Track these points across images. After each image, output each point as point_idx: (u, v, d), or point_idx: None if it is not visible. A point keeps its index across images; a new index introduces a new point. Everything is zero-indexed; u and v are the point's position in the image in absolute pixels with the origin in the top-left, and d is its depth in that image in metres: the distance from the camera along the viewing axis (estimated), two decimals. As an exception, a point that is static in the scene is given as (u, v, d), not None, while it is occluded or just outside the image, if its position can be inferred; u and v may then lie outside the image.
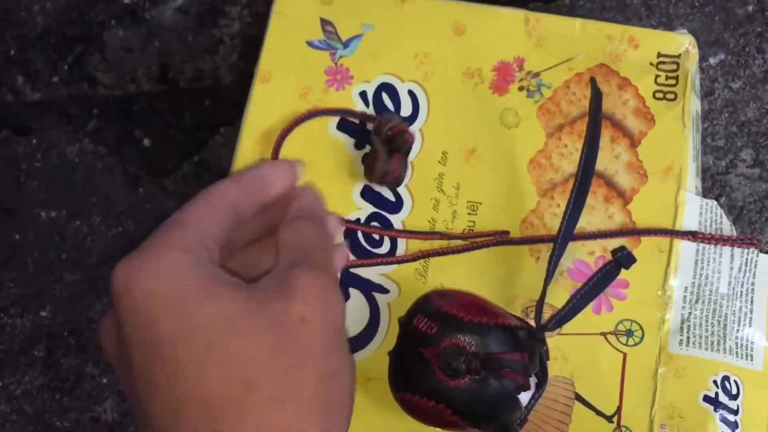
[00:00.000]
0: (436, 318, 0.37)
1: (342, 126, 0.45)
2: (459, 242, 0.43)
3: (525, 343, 0.37)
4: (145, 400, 0.25)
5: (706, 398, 0.40)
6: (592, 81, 0.39)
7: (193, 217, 0.29)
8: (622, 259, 0.38)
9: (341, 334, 0.28)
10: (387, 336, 0.42)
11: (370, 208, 0.44)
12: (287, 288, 0.27)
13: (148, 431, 0.26)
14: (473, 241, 0.43)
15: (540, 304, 0.38)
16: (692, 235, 0.42)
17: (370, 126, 0.44)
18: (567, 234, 0.39)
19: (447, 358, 0.36)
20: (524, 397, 0.37)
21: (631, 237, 0.43)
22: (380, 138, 0.42)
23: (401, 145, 0.42)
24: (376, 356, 0.42)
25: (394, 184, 0.43)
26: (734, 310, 0.42)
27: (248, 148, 0.45)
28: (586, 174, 0.39)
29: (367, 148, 0.45)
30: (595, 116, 0.39)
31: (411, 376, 0.37)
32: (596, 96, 0.39)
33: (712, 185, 0.51)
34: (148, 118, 0.59)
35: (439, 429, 0.39)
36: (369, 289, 0.43)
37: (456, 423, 0.36)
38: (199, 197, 0.30)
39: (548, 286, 0.38)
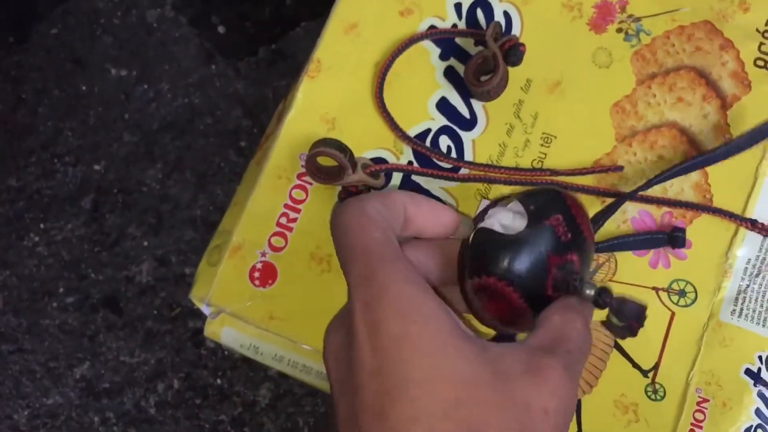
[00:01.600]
0: (572, 228, 0.33)
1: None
2: (525, 176, 0.42)
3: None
4: (368, 427, 0.26)
5: (748, 372, 0.39)
6: None
7: (413, 251, 0.31)
8: (674, 239, 0.38)
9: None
10: (436, 249, 0.42)
11: (443, 121, 0.43)
12: (538, 375, 0.27)
13: None
14: (534, 177, 0.42)
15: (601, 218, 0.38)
16: (751, 224, 0.41)
17: (462, 40, 0.43)
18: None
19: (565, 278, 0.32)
20: None
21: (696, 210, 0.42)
22: (497, 47, 0.41)
23: (516, 59, 0.41)
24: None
25: (494, 96, 0.42)
26: (793, 293, 0.41)
27: (333, 38, 0.44)
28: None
29: (452, 60, 0.44)
30: None
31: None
32: None
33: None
34: (226, 6, 0.58)
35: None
36: (427, 200, 0.42)
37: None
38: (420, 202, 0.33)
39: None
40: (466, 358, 0.26)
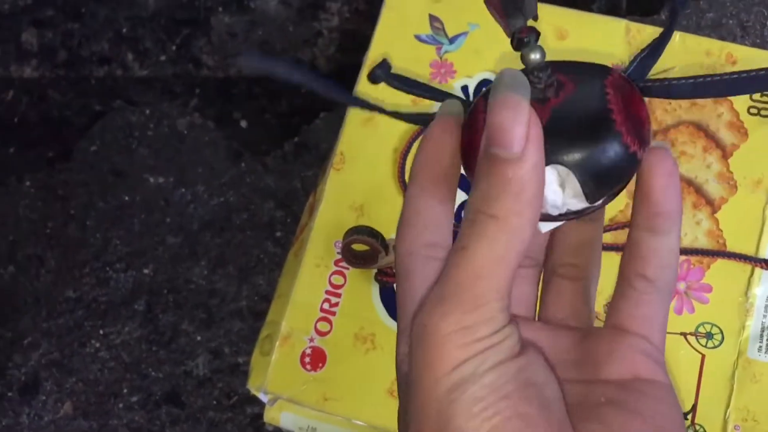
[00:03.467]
0: None
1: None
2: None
3: None
4: None
5: (781, 404, 0.41)
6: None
7: None
8: None
9: None
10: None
11: (463, 196, 0.46)
12: None
13: None
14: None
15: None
16: (766, 264, 0.43)
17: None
18: None
19: None
20: None
21: (709, 256, 0.44)
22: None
23: None
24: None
25: None
26: (814, 324, 0.43)
27: (353, 131, 0.48)
28: None
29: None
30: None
31: None
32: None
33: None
34: (246, 102, 0.62)
35: None
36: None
37: None
38: None
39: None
40: None
